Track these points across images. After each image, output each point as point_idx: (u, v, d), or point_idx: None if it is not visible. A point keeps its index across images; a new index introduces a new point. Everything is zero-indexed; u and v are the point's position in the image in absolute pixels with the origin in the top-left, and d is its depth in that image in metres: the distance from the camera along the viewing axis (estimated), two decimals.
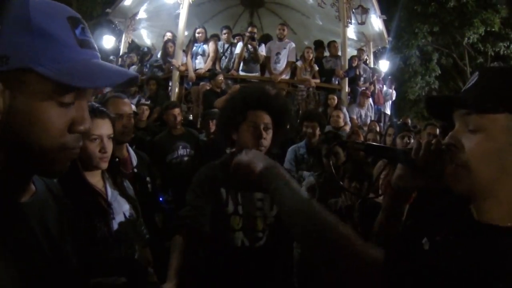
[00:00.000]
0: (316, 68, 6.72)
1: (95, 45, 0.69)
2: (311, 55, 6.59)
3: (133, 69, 7.45)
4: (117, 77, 0.66)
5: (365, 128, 5.97)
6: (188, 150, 3.72)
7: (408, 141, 3.53)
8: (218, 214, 1.74)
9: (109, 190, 1.66)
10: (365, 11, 7.28)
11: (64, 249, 0.76)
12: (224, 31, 6.53)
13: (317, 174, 2.92)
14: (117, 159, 2.02)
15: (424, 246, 0.88)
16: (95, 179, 1.62)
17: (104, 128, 1.62)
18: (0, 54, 0.59)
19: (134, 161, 2.41)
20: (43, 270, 0.67)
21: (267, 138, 1.73)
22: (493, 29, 13.25)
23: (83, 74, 0.62)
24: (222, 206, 1.74)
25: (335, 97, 6.23)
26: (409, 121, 7.50)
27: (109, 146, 1.63)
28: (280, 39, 6.60)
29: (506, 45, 13.80)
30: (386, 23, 8.97)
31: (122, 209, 1.67)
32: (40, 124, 0.62)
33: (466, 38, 13.81)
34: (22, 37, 0.60)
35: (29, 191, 0.72)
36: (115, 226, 1.58)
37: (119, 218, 1.62)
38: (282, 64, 6.47)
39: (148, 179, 2.52)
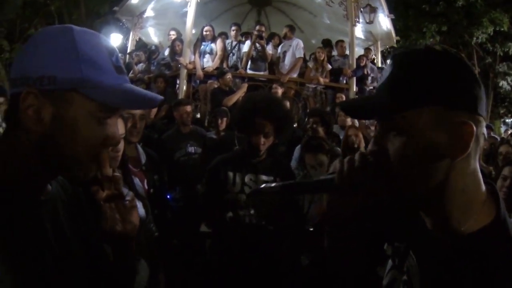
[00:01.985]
0: (329, 67, 6.69)
1: (125, 70, 0.80)
2: (323, 55, 6.56)
3: (140, 67, 7.47)
4: (149, 101, 0.79)
5: (372, 128, 5.93)
6: (196, 148, 3.72)
7: None
8: (226, 194, 2.13)
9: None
10: (373, 10, 7.23)
11: (74, 246, 0.79)
12: (233, 28, 6.52)
13: (302, 176, 2.90)
14: (126, 157, 2.04)
15: (386, 252, 0.87)
16: None
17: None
18: (48, 74, 0.68)
19: (143, 159, 2.42)
20: (51, 267, 0.71)
21: (266, 143, 2.12)
22: (502, 29, 13.11)
23: (121, 97, 0.73)
24: (229, 186, 2.13)
25: (343, 96, 6.19)
26: None
27: (121, 145, 1.64)
28: (285, 38, 6.58)
29: None
30: (394, 22, 8.91)
31: None
32: (78, 137, 0.71)
33: (475, 38, 13.69)
34: (69, 61, 0.69)
35: (46, 191, 0.78)
36: None
37: None
38: (287, 63, 6.44)
39: (156, 177, 2.52)
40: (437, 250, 0.72)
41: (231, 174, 2.17)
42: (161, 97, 0.81)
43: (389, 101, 0.69)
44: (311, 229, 2.45)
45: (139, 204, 1.71)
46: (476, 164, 0.70)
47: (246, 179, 2.16)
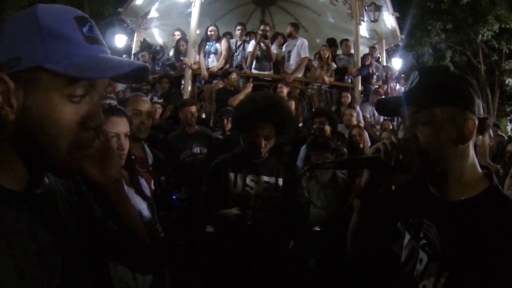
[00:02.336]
0: (334, 66, 6.66)
1: (103, 41, 0.72)
2: (327, 53, 6.53)
3: None
4: (124, 66, 0.68)
5: (378, 127, 5.91)
6: (201, 148, 3.72)
7: None
8: (228, 195, 2.13)
9: (125, 188, 1.65)
10: (377, 8, 7.19)
11: (75, 240, 0.77)
12: (238, 27, 6.51)
13: (307, 177, 2.87)
14: (133, 157, 2.04)
15: (399, 230, 1.06)
16: None
17: (121, 126, 1.62)
18: (13, 56, 0.64)
19: (150, 159, 2.42)
20: (52, 260, 0.70)
21: (267, 145, 2.11)
22: (507, 26, 13.00)
23: (91, 66, 0.65)
24: (230, 187, 2.13)
25: (349, 95, 6.17)
26: None
27: (126, 144, 1.64)
28: (291, 37, 6.54)
29: None
30: (399, 20, 8.86)
31: (138, 207, 1.67)
32: (52, 121, 0.65)
33: (480, 35, 13.57)
34: (32, 39, 0.64)
35: (42, 184, 0.74)
36: None
37: None
38: (293, 62, 6.41)
39: (163, 178, 2.52)
40: (446, 213, 0.94)
41: (232, 175, 2.16)
42: (139, 63, 0.72)
43: (422, 99, 0.94)
44: (318, 229, 2.44)
45: (144, 205, 1.72)
46: (472, 151, 0.96)
47: (248, 180, 2.15)
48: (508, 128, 17.56)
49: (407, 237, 1.03)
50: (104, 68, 0.67)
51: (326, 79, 6.45)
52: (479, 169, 0.97)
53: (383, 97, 6.61)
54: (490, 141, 4.24)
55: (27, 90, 0.64)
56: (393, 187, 1.21)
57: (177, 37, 6.86)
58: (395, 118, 6.88)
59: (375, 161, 0.97)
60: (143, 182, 1.87)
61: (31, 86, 0.64)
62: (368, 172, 1.04)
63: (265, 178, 2.16)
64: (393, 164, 0.95)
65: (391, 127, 5.48)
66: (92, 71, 0.65)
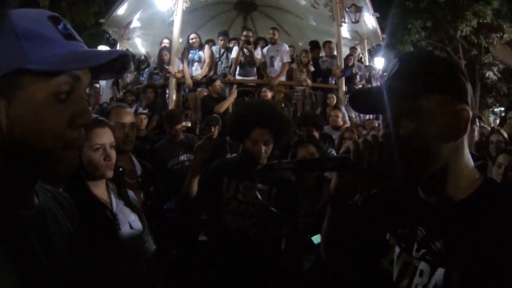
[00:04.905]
0: (312, 69, 6.73)
1: (80, 38, 0.70)
2: (306, 59, 6.63)
3: (130, 78, 7.44)
4: (108, 55, 0.66)
5: (365, 131, 5.97)
6: (188, 155, 3.71)
7: None
8: (219, 199, 2.12)
9: (114, 201, 1.66)
10: (358, 9, 7.30)
11: (67, 265, 0.74)
12: (221, 38, 6.53)
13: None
14: (121, 169, 2.03)
15: (389, 242, 0.91)
16: (100, 190, 1.62)
17: (106, 137, 1.62)
18: None
19: (138, 171, 2.41)
20: (41, 286, 0.66)
21: (267, 151, 2.11)
22: (485, 21, 13.29)
23: (74, 60, 0.63)
24: (223, 191, 2.12)
25: (334, 97, 6.23)
26: None
27: (113, 154, 1.64)
28: (273, 43, 6.59)
29: (499, 36, 13.87)
30: (380, 20, 8.99)
31: (127, 219, 1.66)
32: (40, 124, 0.62)
33: (459, 31, 13.85)
34: (8, 42, 0.60)
35: (30, 204, 0.70)
36: (120, 237, 1.57)
37: (125, 229, 1.61)
38: (277, 68, 6.47)
39: (152, 188, 2.51)
40: (444, 218, 0.81)
41: (226, 179, 2.16)
42: (120, 51, 0.70)
43: (404, 87, 0.79)
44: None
45: (134, 217, 1.71)
46: (466, 142, 0.83)
47: (241, 186, 2.13)
48: (491, 119, 17.90)
49: (397, 250, 0.89)
50: (88, 59, 0.65)
51: (309, 82, 6.51)
52: (475, 170, 0.84)
53: (357, 88, 6.51)
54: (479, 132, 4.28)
55: (9, 98, 0.60)
56: (374, 192, 1.04)
57: (167, 45, 6.83)
58: (380, 117, 6.98)
59: (344, 162, 0.82)
60: (131, 194, 1.86)
61: (13, 92, 0.60)
62: (337, 175, 0.89)
63: (259, 186, 2.14)
64: (365, 167, 0.78)
65: (376, 125, 5.54)
66: (77, 63, 0.64)
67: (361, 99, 0.93)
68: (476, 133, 3.41)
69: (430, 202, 0.85)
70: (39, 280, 0.66)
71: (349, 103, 0.97)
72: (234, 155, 2.40)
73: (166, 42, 6.99)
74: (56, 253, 0.72)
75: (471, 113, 0.78)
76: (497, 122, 10.49)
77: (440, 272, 0.78)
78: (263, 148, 2.08)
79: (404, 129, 0.78)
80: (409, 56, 0.89)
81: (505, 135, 3.43)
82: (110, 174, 1.63)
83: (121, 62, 0.70)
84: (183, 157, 3.70)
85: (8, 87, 0.60)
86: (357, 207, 1.00)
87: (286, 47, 6.51)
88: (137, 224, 1.71)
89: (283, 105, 6.31)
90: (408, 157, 0.78)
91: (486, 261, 0.72)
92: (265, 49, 6.64)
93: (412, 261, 0.84)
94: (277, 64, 6.44)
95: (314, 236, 2.45)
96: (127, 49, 8.79)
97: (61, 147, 0.64)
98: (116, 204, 1.65)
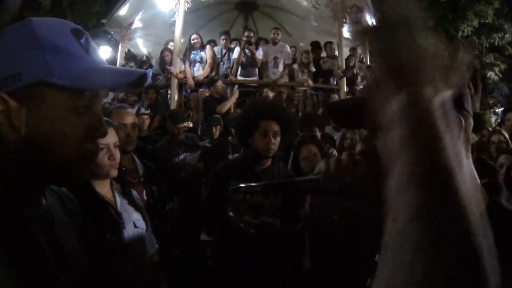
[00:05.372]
0: (313, 69, 6.73)
1: (99, 52, 0.72)
2: (307, 60, 6.64)
3: None
4: (127, 76, 0.68)
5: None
6: (188, 154, 3.74)
7: None
8: (229, 202, 2.09)
9: (118, 199, 1.67)
10: (359, 10, 7.30)
11: (74, 266, 0.75)
12: (223, 37, 6.54)
13: None
14: (123, 168, 2.04)
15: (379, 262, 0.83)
16: (104, 189, 1.64)
17: (110, 136, 1.64)
18: (11, 73, 0.61)
19: (140, 170, 2.43)
20: (48, 286, 0.67)
21: (276, 143, 2.15)
22: (486, 21, 13.28)
23: (95, 77, 0.65)
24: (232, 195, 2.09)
25: (337, 97, 6.24)
26: None
27: (117, 154, 1.66)
28: (275, 43, 6.59)
29: (500, 36, 13.85)
30: None
31: (131, 218, 1.68)
32: (59, 135, 0.64)
33: (460, 31, 13.84)
34: (32, 53, 0.62)
35: (39, 205, 0.71)
36: (125, 236, 1.59)
37: (129, 227, 1.63)
38: (280, 68, 6.48)
39: (154, 188, 2.53)
40: None
41: (233, 182, 2.15)
42: (140, 71, 0.72)
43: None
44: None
45: (138, 216, 1.73)
46: (469, 155, 0.76)
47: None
48: (492, 120, 17.87)
49: None
50: (109, 78, 0.67)
51: (310, 82, 6.52)
52: (476, 182, 0.77)
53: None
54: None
55: (29, 107, 0.62)
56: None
57: (170, 47, 6.81)
58: None
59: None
60: (134, 193, 1.88)
61: (33, 102, 0.62)
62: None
63: None
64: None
65: None
66: (98, 82, 0.65)
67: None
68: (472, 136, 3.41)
69: None
70: (46, 281, 0.66)
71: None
72: (236, 155, 2.38)
73: (171, 45, 6.97)
74: (63, 254, 0.73)
75: (463, 122, 0.73)
76: (498, 122, 10.48)
77: None
78: (272, 139, 2.13)
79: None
80: None
81: (506, 135, 3.43)
82: (114, 173, 1.65)
83: (139, 79, 0.71)
84: (183, 156, 3.73)
85: (29, 97, 0.62)
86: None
87: (288, 48, 6.53)
88: (141, 223, 1.72)
89: (284, 105, 6.30)
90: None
91: None
92: (264, 48, 6.60)
93: None
94: (281, 65, 6.47)
95: None
96: (128, 50, 8.84)
97: (77, 158, 0.66)
98: (121, 203, 1.67)
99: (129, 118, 2.35)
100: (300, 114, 5.93)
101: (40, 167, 0.65)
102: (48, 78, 0.61)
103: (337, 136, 4.34)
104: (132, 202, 1.75)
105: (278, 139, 2.18)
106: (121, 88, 0.76)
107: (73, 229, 0.81)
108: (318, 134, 3.67)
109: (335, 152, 3.67)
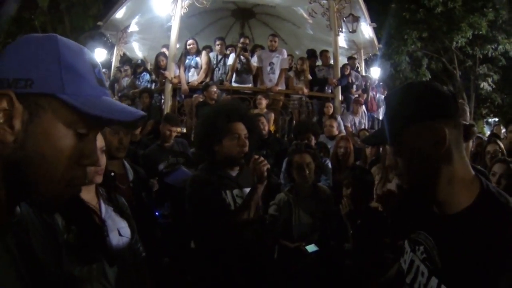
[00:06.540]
0: (309, 77, 6.74)
1: (107, 86, 0.76)
2: (303, 66, 6.63)
3: (126, 82, 7.42)
4: (130, 113, 0.71)
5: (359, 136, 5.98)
6: (178, 159, 3.70)
7: None
8: (227, 213, 1.98)
9: (103, 206, 1.63)
10: (355, 19, 7.34)
11: (48, 274, 0.74)
12: (218, 42, 6.53)
13: (288, 189, 2.81)
14: (112, 174, 2.00)
15: (405, 246, 1.07)
16: (89, 195, 1.59)
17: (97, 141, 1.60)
18: (25, 77, 0.63)
19: (131, 176, 2.39)
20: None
21: (247, 145, 2.06)
22: (480, 32, 13.45)
23: (102, 107, 0.67)
24: (226, 205, 2.00)
25: (331, 105, 6.24)
26: None
27: (103, 159, 1.62)
28: (273, 50, 6.56)
29: (493, 47, 14.03)
30: (376, 30, 9.06)
31: (116, 226, 1.64)
32: (55, 151, 0.64)
33: (455, 42, 14.00)
34: (49, 66, 0.64)
35: (13, 213, 0.70)
36: (109, 243, 1.54)
37: (113, 235, 1.59)
38: (277, 74, 6.45)
39: (144, 194, 2.49)
40: (443, 227, 0.91)
41: (223, 193, 2.04)
42: (142, 113, 0.75)
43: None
44: (308, 251, 2.44)
45: (123, 224, 1.68)
46: (461, 154, 0.93)
47: (234, 195, 2.06)
48: (486, 129, 18.02)
49: (408, 249, 1.03)
50: (114, 111, 0.69)
51: (306, 90, 6.52)
52: (471, 173, 0.93)
53: (366, 135, 6.68)
54: (472, 146, 4.30)
55: (32, 114, 0.63)
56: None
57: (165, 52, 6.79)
58: (376, 126, 7.02)
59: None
60: (121, 199, 1.83)
61: (38, 111, 0.63)
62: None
63: (247, 190, 2.06)
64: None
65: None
66: (104, 111, 0.67)
67: (373, 142, 1.21)
68: (470, 145, 3.43)
69: (436, 213, 0.96)
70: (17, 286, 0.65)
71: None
72: (201, 166, 2.20)
73: (164, 50, 6.98)
74: (36, 262, 0.72)
75: (446, 128, 0.89)
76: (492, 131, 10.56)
77: (434, 281, 0.88)
78: (245, 141, 2.05)
79: (399, 157, 0.95)
80: (389, 97, 1.02)
81: (501, 145, 3.44)
82: (99, 179, 1.60)
83: (137, 120, 0.73)
84: (172, 160, 3.69)
85: (34, 104, 0.63)
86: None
87: (285, 53, 6.53)
88: (126, 231, 1.68)
89: (280, 113, 6.30)
90: (402, 177, 0.98)
91: (474, 278, 0.79)
92: (260, 54, 6.58)
93: (416, 259, 0.97)
94: (278, 71, 6.45)
95: (308, 246, 2.44)
96: (124, 53, 8.81)
97: (63, 180, 0.67)
98: (105, 210, 1.62)
99: None
100: (294, 122, 5.93)
101: (25, 177, 0.64)
102: (59, 93, 0.64)
103: (331, 145, 4.33)
104: (118, 209, 1.70)
105: (247, 141, 2.08)
106: (121, 124, 0.76)
107: (49, 236, 0.79)
108: (313, 142, 3.65)
109: (328, 161, 3.65)
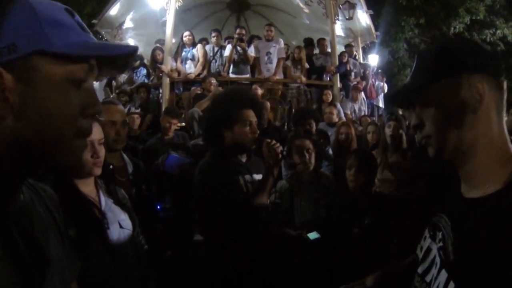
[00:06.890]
0: (307, 66, 6.69)
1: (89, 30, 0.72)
2: (300, 55, 6.59)
3: (123, 78, 7.37)
4: (121, 48, 0.69)
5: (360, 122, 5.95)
6: (178, 152, 3.68)
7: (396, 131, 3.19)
8: (244, 196, 1.96)
9: (103, 199, 1.60)
10: (352, 6, 7.29)
11: (51, 262, 0.71)
12: (213, 34, 6.49)
13: (289, 176, 2.81)
14: (111, 166, 1.97)
15: (425, 232, 0.95)
16: (88, 187, 1.57)
17: (95, 133, 1.57)
18: (5, 43, 0.58)
19: (130, 168, 2.36)
20: (23, 283, 0.63)
21: (258, 132, 2.05)
22: (478, 17, 13.35)
23: (93, 48, 0.66)
24: (243, 192, 1.99)
25: (330, 93, 6.21)
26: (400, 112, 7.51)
27: (101, 151, 1.59)
28: (269, 40, 6.54)
29: (492, 32, 13.94)
30: (373, 18, 8.99)
31: (117, 218, 1.61)
32: (56, 108, 0.62)
33: (452, 28, 13.90)
34: (31, 25, 0.60)
35: (16, 200, 0.68)
36: (110, 236, 1.52)
37: (114, 228, 1.56)
38: (274, 64, 6.43)
39: (144, 186, 2.47)
40: (462, 212, 0.80)
41: (239, 178, 2.04)
42: (135, 47, 0.72)
43: (418, 81, 0.87)
44: (310, 238, 2.42)
45: (124, 216, 1.66)
46: (501, 123, 0.81)
47: (246, 180, 2.05)
48: None
49: (427, 235, 0.91)
50: (107, 49, 0.68)
51: (304, 79, 6.49)
52: (510, 150, 0.80)
53: (389, 91, 6.65)
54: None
55: (25, 81, 0.59)
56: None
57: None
58: (376, 113, 6.98)
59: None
60: (122, 192, 1.81)
61: (30, 74, 0.59)
62: None
63: (257, 176, 2.08)
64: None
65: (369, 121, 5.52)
66: (99, 50, 0.67)
67: (394, 98, 1.06)
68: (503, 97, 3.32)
69: (463, 197, 0.83)
70: (22, 281, 0.63)
71: (384, 103, 1.14)
72: (209, 153, 2.17)
73: (158, 45, 6.94)
74: (40, 252, 0.69)
75: (485, 84, 0.79)
76: None
77: (443, 275, 0.77)
78: (256, 129, 2.04)
79: (425, 118, 0.85)
80: (423, 51, 1.06)
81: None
82: (97, 171, 1.58)
83: (124, 59, 0.72)
84: (172, 153, 3.67)
85: (24, 68, 0.59)
86: None
87: (281, 42, 6.49)
88: (127, 223, 1.65)
89: (278, 102, 6.27)
90: (430, 139, 0.85)
91: (488, 278, 0.66)
92: (256, 45, 6.55)
93: (433, 248, 0.86)
94: (275, 60, 6.42)
95: (310, 233, 2.41)
96: None
97: (73, 133, 0.64)
98: (105, 203, 1.60)
99: (119, 115, 2.27)
100: (293, 110, 5.90)
101: (35, 145, 0.61)
102: (47, 47, 0.60)
103: (331, 132, 4.30)
104: (118, 202, 1.67)
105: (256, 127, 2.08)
106: (106, 70, 0.73)
107: (53, 226, 0.77)
108: (314, 128, 3.62)
109: (329, 148, 3.62)
